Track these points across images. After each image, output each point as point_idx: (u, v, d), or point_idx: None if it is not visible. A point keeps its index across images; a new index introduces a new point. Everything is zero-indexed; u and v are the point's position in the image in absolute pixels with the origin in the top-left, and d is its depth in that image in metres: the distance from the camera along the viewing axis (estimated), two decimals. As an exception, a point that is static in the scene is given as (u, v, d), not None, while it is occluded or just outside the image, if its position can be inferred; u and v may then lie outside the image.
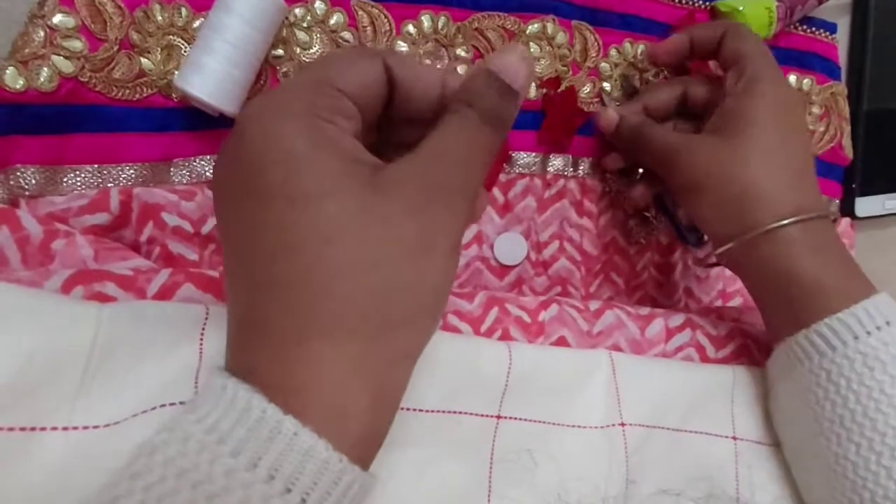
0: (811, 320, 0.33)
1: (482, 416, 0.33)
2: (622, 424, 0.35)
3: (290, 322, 0.19)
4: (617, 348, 0.38)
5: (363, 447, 0.20)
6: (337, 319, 0.19)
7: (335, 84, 0.21)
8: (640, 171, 0.45)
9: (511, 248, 0.42)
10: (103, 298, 0.28)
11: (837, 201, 0.52)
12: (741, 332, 0.40)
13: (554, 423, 0.34)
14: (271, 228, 0.19)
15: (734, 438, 0.36)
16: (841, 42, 0.54)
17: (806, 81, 0.51)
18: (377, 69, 0.22)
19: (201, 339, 0.27)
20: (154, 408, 0.24)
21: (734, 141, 0.36)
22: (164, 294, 0.29)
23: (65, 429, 0.23)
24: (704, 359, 0.39)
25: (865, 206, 0.53)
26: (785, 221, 0.34)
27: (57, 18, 0.33)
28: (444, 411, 0.32)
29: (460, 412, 0.32)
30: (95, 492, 0.18)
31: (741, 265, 0.38)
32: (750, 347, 0.40)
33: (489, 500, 0.31)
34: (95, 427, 0.23)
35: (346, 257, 0.19)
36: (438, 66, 0.25)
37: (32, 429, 0.22)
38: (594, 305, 0.40)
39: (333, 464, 0.18)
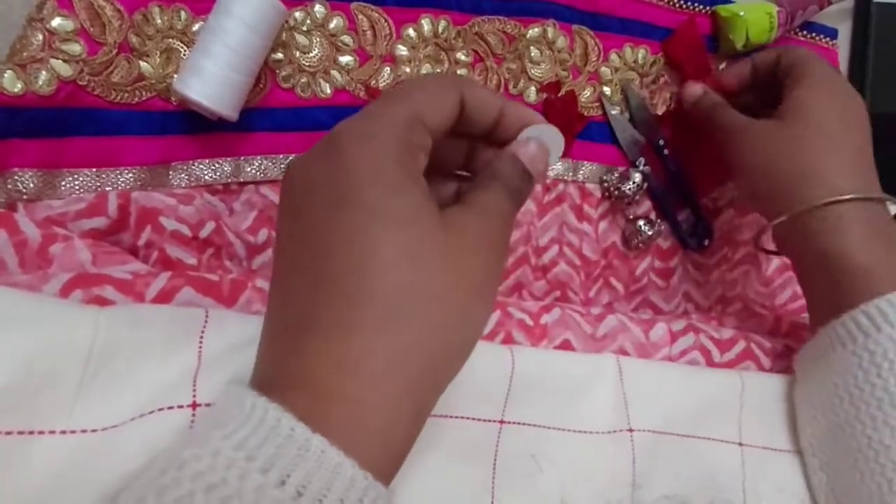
0: (858, 302, 0.33)
1: (486, 420, 0.33)
2: (630, 430, 0.35)
3: (354, 337, 0.20)
4: (623, 352, 0.38)
5: (392, 463, 0.21)
6: (399, 345, 0.20)
7: (425, 122, 0.23)
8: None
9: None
10: (102, 302, 0.28)
11: None
12: (744, 335, 0.40)
13: (558, 428, 0.33)
14: (350, 239, 0.20)
15: (741, 444, 0.36)
16: (842, 47, 0.54)
17: (806, 86, 0.51)
18: (455, 101, 0.24)
19: (200, 343, 0.26)
20: (152, 411, 0.24)
21: (796, 124, 0.38)
22: (164, 298, 0.29)
23: (63, 432, 0.22)
24: (710, 363, 0.39)
25: (866, 210, 0.52)
26: (839, 198, 0.35)
27: (55, 22, 0.33)
28: (447, 416, 0.32)
29: (464, 417, 0.32)
30: None
31: (792, 243, 0.38)
32: (754, 351, 0.40)
33: None
34: (94, 430, 0.23)
35: (420, 285, 0.20)
36: (497, 93, 0.27)
37: (31, 432, 0.22)
38: (595, 310, 0.40)
39: (359, 481, 0.18)
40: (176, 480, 0.17)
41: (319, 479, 0.18)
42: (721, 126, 0.42)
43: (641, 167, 0.45)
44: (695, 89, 0.45)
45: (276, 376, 0.20)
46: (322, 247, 0.21)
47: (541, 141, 0.27)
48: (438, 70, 0.42)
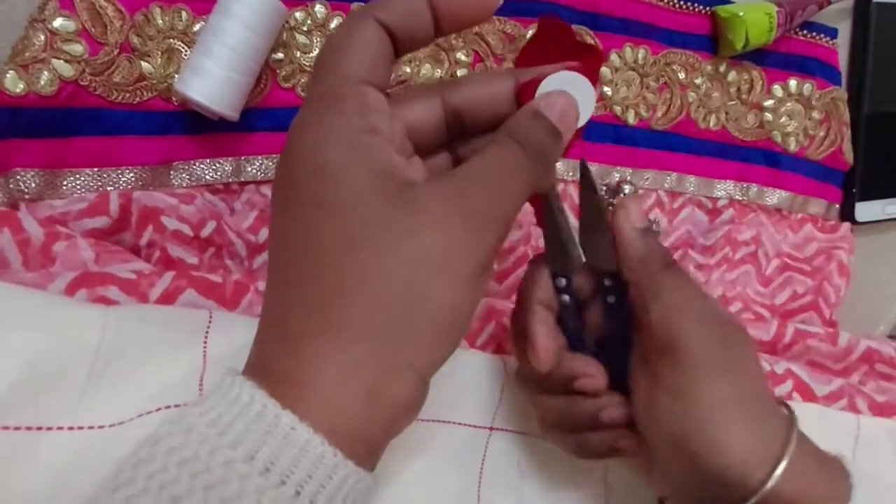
0: None
1: (476, 426, 0.33)
2: None
3: (301, 319, 0.20)
4: None
5: (358, 446, 0.20)
6: (344, 321, 0.20)
7: (353, 76, 0.21)
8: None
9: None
10: (107, 302, 0.28)
11: (837, 206, 0.52)
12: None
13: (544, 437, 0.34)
14: (300, 232, 0.21)
15: None
16: (842, 47, 0.54)
17: (806, 86, 0.51)
18: (383, 42, 0.22)
19: (205, 343, 0.27)
20: (159, 408, 0.24)
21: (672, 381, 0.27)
22: (167, 298, 0.29)
23: (70, 428, 0.23)
24: None
25: (866, 210, 0.53)
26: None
27: (57, 22, 0.33)
28: (440, 421, 0.32)
29: (456, 422, 0.33)
30: (101, 480, 0.18)
31: None
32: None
33: None
34: (101, 427, 0.23)
35: (361, 264, 0.20)
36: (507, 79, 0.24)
37: (38, 428, 0.22)
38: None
39: (328, 458, 0.18)
40: (150, 455, 0.18)
41: (287, 455, 0.18)
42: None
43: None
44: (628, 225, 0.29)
45: (257, 363, 0.21)
46: (280, 243, 0.22)
47: (565, 92, 0.23)
48: (439, 70, 0.42)
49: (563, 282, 0.29)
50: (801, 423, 0.28)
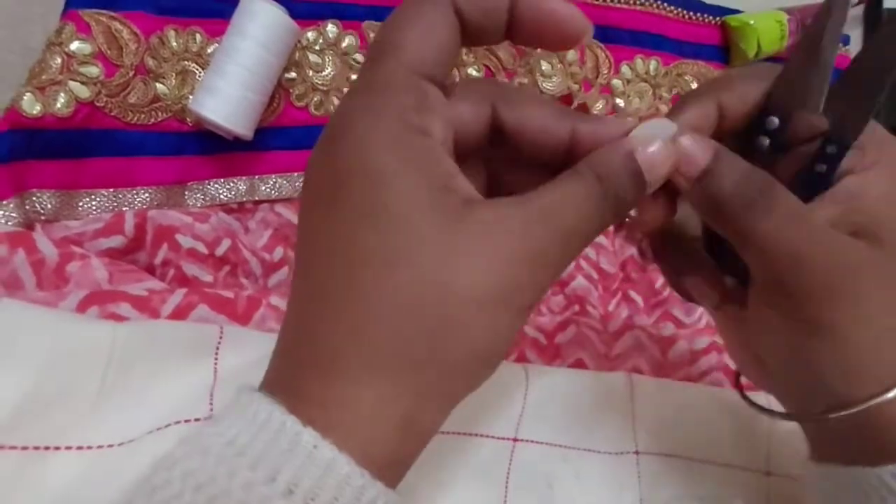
0: None
1: (499, 438, 0.32)
2: (636, 453, 0.34)
3: (335, 340, 0.18)
4: (638, 371, 0.37)
5: (387, 469, 0.19)
6: (381, 348, 0.18)
7: (415, 65, 0.19)
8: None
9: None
10: (118, 318, 0.28)
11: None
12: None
13: (571, 447, 0.33)
14: (343, 242, 0.18)
15: (767, 474, 0.35)
16: (854, 53, 0.54)
17: (821, 94, 0.50)
18: (453, 30, 0.19)
19: (216, 359, 0.26)
20: (169, 424, 0.23)
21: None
22: (179, 314, 0.29)
23: (79, 448, 0.22)
24: (736, 384, 0.38)
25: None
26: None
27: (74, 45, 0.34)
28: (462, 433, 0.31)
29: (478, 434, 0.32)
30: None
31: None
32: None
33: None
34: (110, 446, 0.23)
35: (405, 287, 0.18)
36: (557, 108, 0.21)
37: (47, 448, 0.22)
38: (613, 326, 0.39)
39: (355, 479, 0.17)
40: (166, 481, 0.17)
41: (311, 475, 0.16)
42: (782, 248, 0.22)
43: None
44: (690, 148, 0.21)
45: (278, 380, 0.19)
46: (317, 251, 0.19)
47: (667, 142, 0.20)
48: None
49: (774, 122, 0.23)
50: None
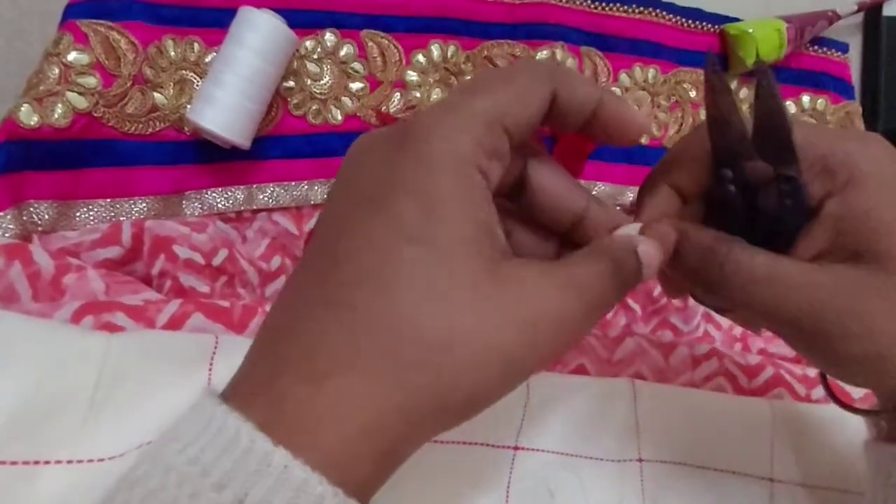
0: None
1: (500, 447, 0.32)
2: (640, 460, 0.34)
3: (327, 341, 0.18)
4: (640, 376, 0.37)
5: (369, 489, 0.18)
6: (375, 366, 0.18)
7: (504, 122, 0.20)
8: None
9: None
10: (113, 328, 0.27)
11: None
12: (771, 361, 0.39)
13: (573, 455, 0.32)
14: (380, 253, 0.18)
15: (771, 480, 0.34)
16: (853, 61, 0.54)
17: (820, 101, 0.50)
18: (545, 98, 0.21)
19: (210, 369, 0.26)
20: None
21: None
22: (174, 324, 0.29)
23: (69, 462, 0.22)
24: (738, 389, 0.38)
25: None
26: None
27: (72, 56, 0.34)
28: (462, 442, 0.31)
29: (478, 443, 0.31)
30: None
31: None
32: (785, 377, 0.38)
33: None
34: (100, 460, 0.22)
35: (427, 319, 0.18)
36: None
37: (36, 462, 0.22)
38: (613, 332, 0.39)
39: (328, 499, 0.16)
40: (125, 503, 0.16)
41: (281, 498, 0.16)
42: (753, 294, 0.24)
43: None
44: (661, 230, 0.24)
45: (251, 384, 0.18)
46: (341, 249, 0.19)
47: (655, 242, 0.23)
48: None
49: (728, 174, 0.25)
50: None
